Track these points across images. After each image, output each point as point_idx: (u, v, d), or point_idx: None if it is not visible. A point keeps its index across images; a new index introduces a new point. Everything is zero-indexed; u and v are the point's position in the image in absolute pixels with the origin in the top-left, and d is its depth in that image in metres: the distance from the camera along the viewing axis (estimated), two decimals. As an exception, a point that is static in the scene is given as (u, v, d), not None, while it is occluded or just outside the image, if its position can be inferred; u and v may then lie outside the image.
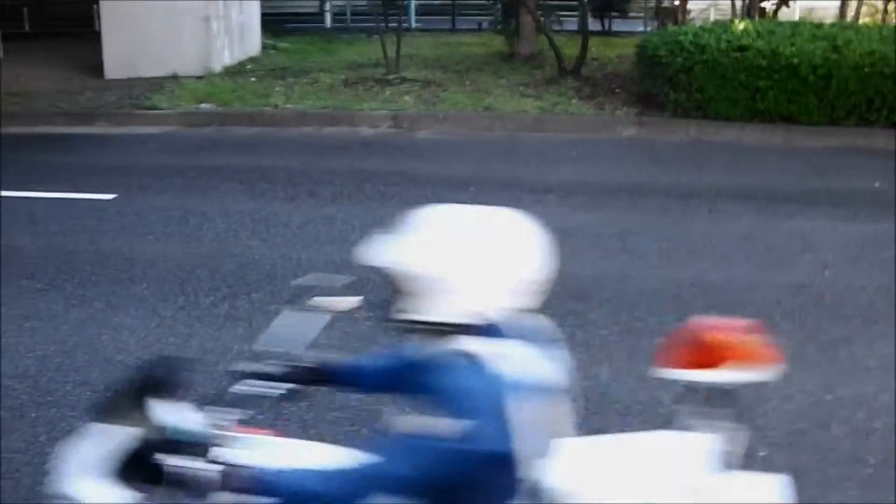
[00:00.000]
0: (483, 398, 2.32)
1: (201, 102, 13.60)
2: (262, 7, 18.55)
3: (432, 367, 2.42)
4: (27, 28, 20.43)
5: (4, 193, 9.50)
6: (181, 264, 7.43)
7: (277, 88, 14.31)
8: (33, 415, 5.23)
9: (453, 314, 2.42)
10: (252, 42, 17.74)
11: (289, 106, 13.33)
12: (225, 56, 16.15)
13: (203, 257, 7.61)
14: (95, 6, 16.12)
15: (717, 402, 2.68)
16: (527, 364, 2.43)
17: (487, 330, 2.44)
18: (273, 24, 18.94)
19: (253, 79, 15.20)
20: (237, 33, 16.92)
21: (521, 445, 2.37)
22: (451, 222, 2.47)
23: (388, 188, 9.39)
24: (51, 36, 19.80)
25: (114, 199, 9.25)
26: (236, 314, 6.48)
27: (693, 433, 2.70)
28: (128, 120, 13.19)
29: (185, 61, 15.32)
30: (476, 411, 2.29)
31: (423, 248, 2.41)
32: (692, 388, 2.72)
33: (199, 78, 15.05)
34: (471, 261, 2.40)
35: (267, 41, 18.29)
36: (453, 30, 20.47)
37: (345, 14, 21.26)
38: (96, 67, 15.99)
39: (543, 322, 2.61)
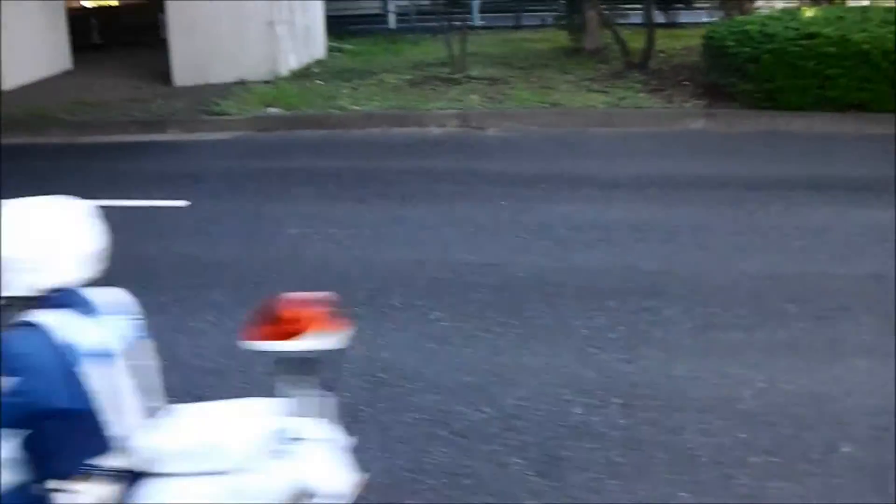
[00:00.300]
0: (33, 360, 2.74)
1: (269, 107, 13.71)
2: (326, 9, 18.67)
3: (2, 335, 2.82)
4: (96, 39, 20.73)
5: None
6: (256, 268, 7.51)
7: (344, 90, 14.38)
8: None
9: (23, 289, 2.85)
10: (317, 45, 17.87)
11: (356, 108, 13.39)
12: (291, 60, 16.28)
13: (278, 261, 7.69)
14: (161, 15, 16.34)
15: (302, 370, 2.99)
16: (91, 331, 2.86)
17: (54, 301, 2.86)
18: (337, 26, 19.07)
19: (319, 81, 15.30)
20: (302, 36, 17.05)
21: (90, 404, 2.81)
22: (14, 212, 2.89)
23: (459, 187, 9.42)
24: (119, 46, 20.11)
25: (188, 205, 9.37)
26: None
27: (280, 399, 3.02)
28: (198, 126, 13.33)
29: (251, 66, 15.47)
30: (25, 370, 2.72)
31: None
32: (284, 358, 3.00)
33: (266, 82, 15.16)
34: (31, 243, 2.85)
35: (332, 43, 18.43)
36: (517, 27, 20.47)
37: (409, 14, 21.32)
38: (165, 75, 16.22)
39: (117, 294, 3.08)
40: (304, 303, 3.06)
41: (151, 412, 3.06)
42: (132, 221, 9.06)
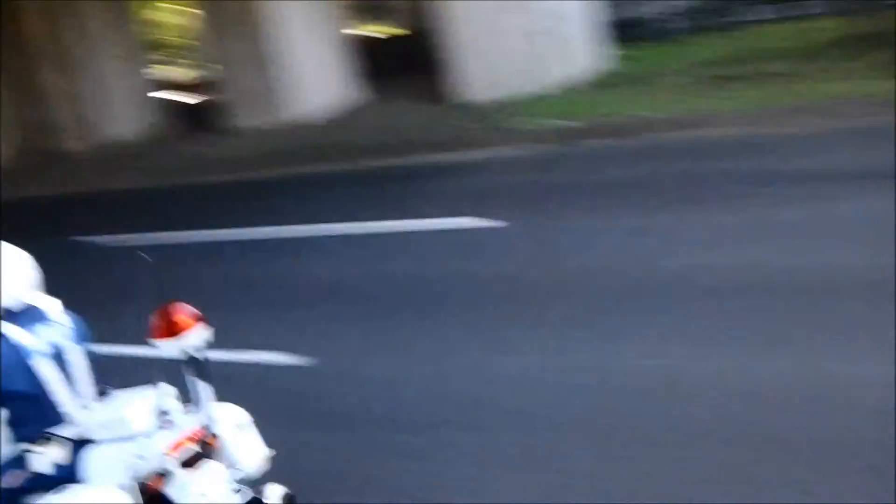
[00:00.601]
0: None
1: (559, 119, 13.87)
2: (604, 14, 18.61)
3: None
4: (380, 66, 21.40)
5: (390, 225, 10.16)
6: (580, 286, 7.67)
7: (631, 97, 14.39)
8: (465, 439, 5.67)
9: None
10: (599, 52, 17.85)
11: (645, 113, 13.39)
12: (575, 69, 16.34)
13: (603, 276, 7.82)
14: (437, 37, 16.75)
15: (187, 364, 3.88)
16: (39, 335, 4.02)
17: (11, 316, 3.99)
18: (617, 30, 18.90)
19: (606, 89, 15.35)
20: (584, 44, 17.09)
21: (40, 388, 3.96)
22: None
23: (773, 190, 9.20)
24: (401, 70, 20.75)
25: (506, 225, 9.54)
26: (640, 331, 6.65)
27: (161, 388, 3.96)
28: (493, 143, 13.61)
29: (536, 79, 15.68)
30: None
31: None
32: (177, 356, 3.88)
33: (554, 94, 15.33)
34: None
35: (612, 49, 18.36)
36: (802, 16, 19.78)
37: (688, 13, 20.98)
38: (449, 95, 16.69)
39: (58, 307, 4.18)
40: (183, 311, 3.92)
41: (96, 395, 4.19)
42: (451, 244, 9.42)
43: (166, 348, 3.91)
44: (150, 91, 23.92)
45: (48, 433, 4.00)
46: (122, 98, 22.78)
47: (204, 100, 22.93)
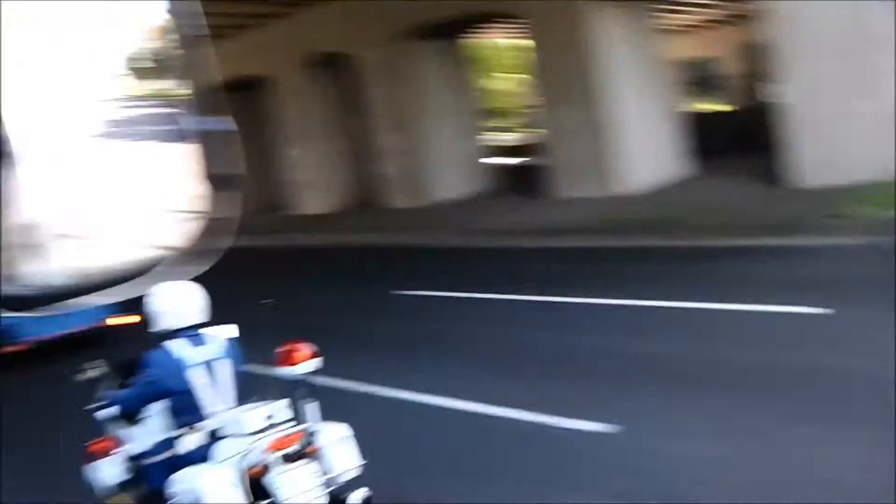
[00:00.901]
0: (160, 364, 5.21)
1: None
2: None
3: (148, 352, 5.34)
4: (711, 143, 20.99)
5: (714, 305, 9.77)
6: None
7: None
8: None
9: (157, 328, 5.36)
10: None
11: None
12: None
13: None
14: (781, 117, 16.15)
15: (299, 385, 5.09)
16: (194, 351, 5.27)
17: (176, 334, 5.31)
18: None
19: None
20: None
21: (192, 390, 5.20)
22: (161, 288, 5.42)
23: None
24: (732, 149, 20.26)
25: (830, 314, 8.93)
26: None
27: (281, 402, 5.20)
28: (826, 230, 12.88)
29: (878, 166, 14.66)
30: (155, 367, 5.22)
31: (150, 301, 5.38)
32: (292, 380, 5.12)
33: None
34: (166, 304, 5.36)
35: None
36: None
37: None
38: (782, 178, 16.04)
39: (223, 332, 5.44)
40: (298, 345, 5.18)
41: (236, 401, 5.31)
42: (776, 329, 8.93)
43: (285, 373, 5.13)
44: (479, 155, 24.56)
45: (190, 425, 5.22)
46: (451, 160, 23.50)
47: (530, 166, 23.27)
